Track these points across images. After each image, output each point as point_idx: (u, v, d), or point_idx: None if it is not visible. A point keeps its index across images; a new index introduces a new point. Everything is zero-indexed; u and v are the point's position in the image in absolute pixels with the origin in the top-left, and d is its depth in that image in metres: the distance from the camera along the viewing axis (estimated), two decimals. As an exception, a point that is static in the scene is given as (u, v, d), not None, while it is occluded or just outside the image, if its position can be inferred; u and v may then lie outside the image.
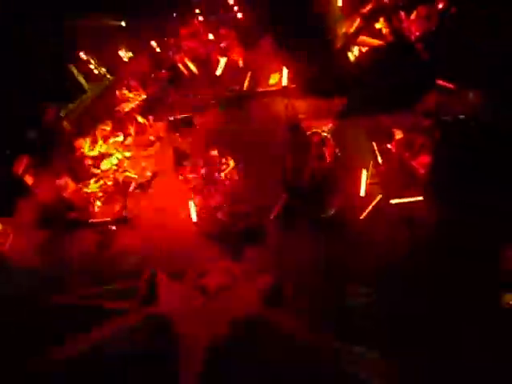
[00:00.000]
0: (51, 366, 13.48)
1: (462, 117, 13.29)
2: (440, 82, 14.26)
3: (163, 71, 22.78)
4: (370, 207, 13.38)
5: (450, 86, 14.09)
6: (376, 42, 17.00)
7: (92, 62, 23.78)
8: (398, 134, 13.87)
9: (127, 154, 18.87)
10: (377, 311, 11.34)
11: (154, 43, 23.33)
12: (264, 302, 12.67)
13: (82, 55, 23.70)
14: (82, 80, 24.03)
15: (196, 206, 15.50)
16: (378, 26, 17.12)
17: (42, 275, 16.12)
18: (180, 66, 22.18)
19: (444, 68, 14.36)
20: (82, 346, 13.51)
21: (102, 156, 19.34)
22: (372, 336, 10.90)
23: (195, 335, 12.58)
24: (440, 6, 15.65)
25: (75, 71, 23.90)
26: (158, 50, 23.39)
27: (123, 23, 24.24)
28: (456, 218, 12.05)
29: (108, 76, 24.04)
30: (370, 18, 17.41)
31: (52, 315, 14.76)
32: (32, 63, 21.81)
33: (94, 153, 19.27)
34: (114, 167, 18.24)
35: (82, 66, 24.00)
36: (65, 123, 22.84)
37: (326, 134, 15.14)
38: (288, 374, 11.09)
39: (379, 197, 13.38)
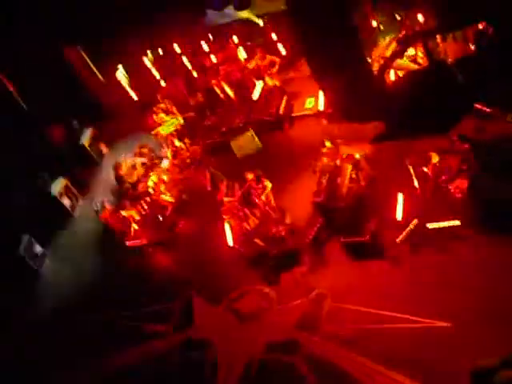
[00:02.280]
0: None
1: (499, 141, 13.21)
2: (478, 106, 14.17)
3: (199, 95, 22.99)
4: (407, 231, 13.30)
5: (488, 110, 13.99)
6: (412, 65, 16.98)
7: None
8: (435, 158, 13.80)
9: (164, 177, 19.00)
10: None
11: (189, 66, 23.64)
12: (298, 326, 12.65)
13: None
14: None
15: (232, 229, 15.54)
16: (412, 51, 17.14)
17: (83, 295, 16.38)
18: (216, 89, 22.35)
19: (482, 92, 14.26)
20: (119, 366, 13.69)
21: (139, 179, 19.54)
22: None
23: (231, 357, 12.60)
24: (480, 27, 15.56)
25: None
26: (194, 73, 23.67)
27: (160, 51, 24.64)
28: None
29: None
30: (406, 42, 17.40)
31: (91, 332, 15.02)
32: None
33: (133, 178, 19.43)
34: (151, 190, 18.36)
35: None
36: (102, 145, 23.23)
37: (360, 158, 15.14)
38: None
39: (415, 221, 13.29)
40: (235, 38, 23.60)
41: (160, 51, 24.99)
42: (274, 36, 22.94)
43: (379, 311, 11.78)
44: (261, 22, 23.81)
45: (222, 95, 22.34)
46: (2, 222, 18.73)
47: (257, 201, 15.37)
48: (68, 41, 23.26)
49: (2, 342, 16.15)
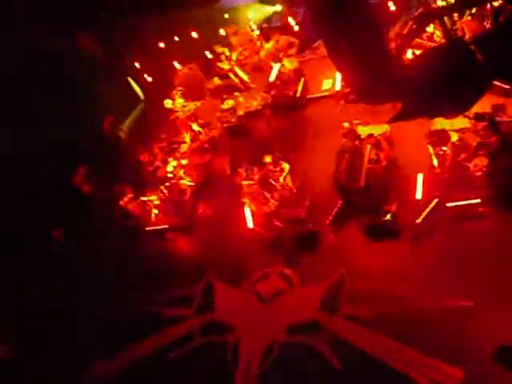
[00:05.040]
0: (113, 370, 13.81)
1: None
2: (496, 82, 14.02)
3: (216, 79, 23.00)
4: (427, 210, 13.24)
5: (507, 86, 13.85)
6: (430, 44, 16.84)
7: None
8: (454, 137, 13.71)
9: (183, 162, 19.04)
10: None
11: (207, 52, 23.64)
12: (319, 307, 12.67)
13: (137, 65, 24.13)
14: (138, 90, 24.46)
15: (251, 212, 15.57)
16: (430, 29, 16.97)
17: (104, 282, 16.48)
18: (230, 75, 22.35)
19: (500, 68, 14.10)
20: (143, 351, 13.79)
21: (158, 164, 19.63)
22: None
23: (253, 340, 12.66)
24: (496, 3, 15.37)
25: (132, 82, 24.36)
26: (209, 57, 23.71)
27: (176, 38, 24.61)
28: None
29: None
30: (423, 21, 17.24)
31: (113, 320, 15.13)
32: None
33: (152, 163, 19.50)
34: (170, 175, 18.41)
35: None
36: (121, 133, 23.26)
37: (380, 138, 15.07)
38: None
39: (435, 200, 13.22)
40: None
41: (176, 37, 25.00)
42: (290, 19, 22.87)
43: (400, 291, 11.77)
44: (278, 8, 23.77)
45: (236, 80, 22.34)
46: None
47: (275, 183, 15.38)
48: (81, 25, 23.13)
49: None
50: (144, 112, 24.52)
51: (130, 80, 24.54)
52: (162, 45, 24.59)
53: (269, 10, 24.99)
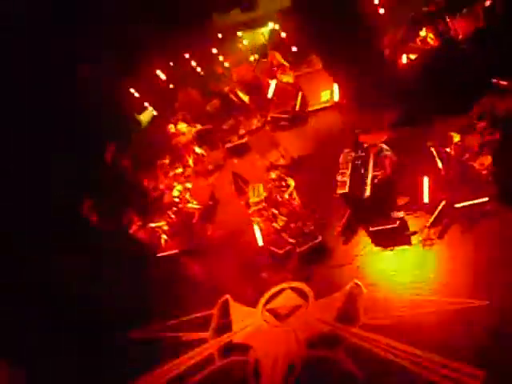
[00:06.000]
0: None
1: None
2: (494, 80, 14.05)
3: (215, 101, 23.11)
4: (436, 213, 13.21)
5: (504, 83, 13.87)
6: (424, 47, 16.91)
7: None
8: (456, 137, 13.69)
9: (188, 185, 19.09)
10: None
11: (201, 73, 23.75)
12: (337, 319, 12.62)
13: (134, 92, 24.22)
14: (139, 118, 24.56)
15: (261, 229, 15.57)
16: (422, 33, 17.02)
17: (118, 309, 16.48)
18: (231, 96, 22.42)
19: (496, 66, 14.14)
20: (165, 376, 13.77)
21: (164, 190, 19.64)
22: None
23: (273, 358, 12.59)
24: (487, 2, 15.44)
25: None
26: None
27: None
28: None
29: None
30: (415, 24, 17.34)
31: (130, 349, 15.12)
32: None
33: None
34: (177, 199, 18.45)
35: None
36: (125, 160, 23.28)
37: (383, 146, 15.06)
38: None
39: (443, 202, 13.19)
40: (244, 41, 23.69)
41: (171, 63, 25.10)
42: (284, 34, 22.98)
43: (415, 297, 11.72)
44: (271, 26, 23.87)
45: (236, 100, 22.40)
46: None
47: (282, 199, 15.38)
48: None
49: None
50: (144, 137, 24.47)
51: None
52: (158, 71, 24.63)
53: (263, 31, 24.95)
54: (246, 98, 22.31)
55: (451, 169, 13.60)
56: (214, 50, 24.58)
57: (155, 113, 24.38)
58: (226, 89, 22.74)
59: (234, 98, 22.38)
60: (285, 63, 21.29)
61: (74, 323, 16.13)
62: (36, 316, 16.09)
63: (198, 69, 24.36)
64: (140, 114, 25.24)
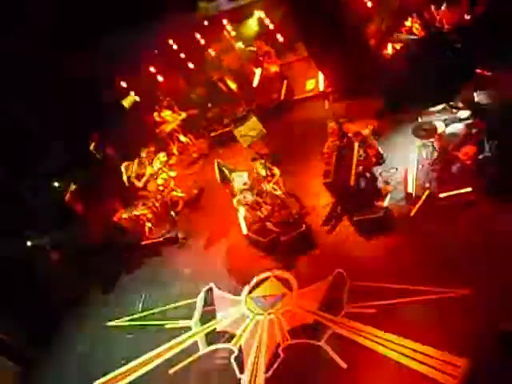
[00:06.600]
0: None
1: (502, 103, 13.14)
2: (477, 70, 14.09)
3: (200, 88, 22.99)
4: (420, 203, 13.25)
5: (488, 73, 13.91)
6: (409, 37, 16.91)
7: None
8: (440, 127, 13.72)
9: (172, 174, 19.04)
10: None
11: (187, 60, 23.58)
12: (321, 308, 12.66)
13: (122, 84, 23.99)
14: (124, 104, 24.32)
15: (245, 218, 15.59)
16: (408, 23, 17.02)
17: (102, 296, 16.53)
18: (220, 84, 22.34)
19: (481, 56, 14.17)
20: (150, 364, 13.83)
21: (148, 178, 19.55)
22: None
23: (257, 346, 12.64)
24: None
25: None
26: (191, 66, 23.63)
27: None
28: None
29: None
30: (401, 14, 17.34)
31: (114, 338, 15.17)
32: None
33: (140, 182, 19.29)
34: (161, 188, 18.42)
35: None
36: (109, 149, 23.18)
37: (367, 135, 15.06)
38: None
39: (427, 192, 13.23)
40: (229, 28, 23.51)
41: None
42: (269, 22, 22.84)
43: (399, 285, 11.72)
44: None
45: (224, 88, 22.32)
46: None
47: (267, 189, 15.35)
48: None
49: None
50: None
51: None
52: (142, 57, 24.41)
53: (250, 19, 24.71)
54: (233, 86, 22.24)
55: (435, 159, 13.64)
56: (199, 37, 24.35)
57: (138, 98, 24.05)
58: (215, 77, 22.63)
59: (223, 86, 22.30)
60: (271, 51, 21.15)
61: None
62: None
63: (182, 55, 24.04)
64: (122, 99, 24.94)
